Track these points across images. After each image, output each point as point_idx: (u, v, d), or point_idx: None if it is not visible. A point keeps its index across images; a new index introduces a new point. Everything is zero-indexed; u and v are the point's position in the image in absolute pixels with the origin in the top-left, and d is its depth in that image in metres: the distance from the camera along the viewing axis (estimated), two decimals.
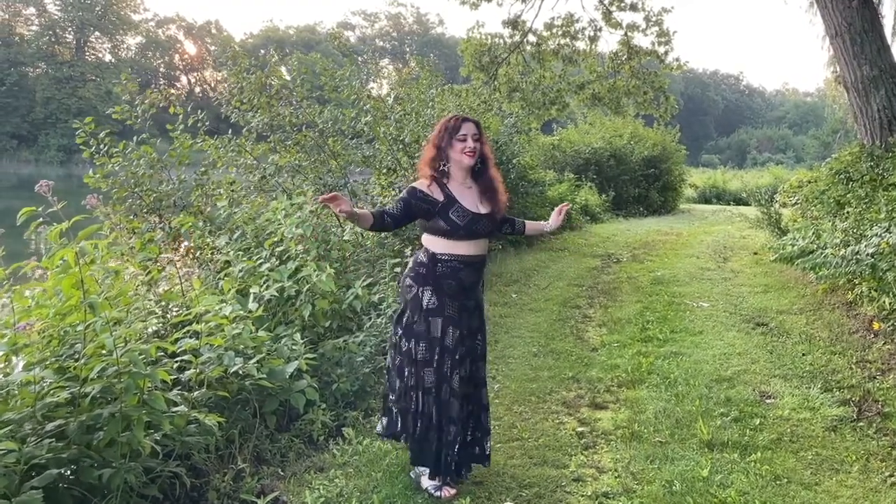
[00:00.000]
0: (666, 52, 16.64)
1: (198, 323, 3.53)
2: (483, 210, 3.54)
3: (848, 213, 7.53)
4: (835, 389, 5.11)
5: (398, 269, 5.85)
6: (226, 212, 5.45)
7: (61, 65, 61.63)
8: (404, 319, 3.58)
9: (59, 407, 2.77)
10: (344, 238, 5.32)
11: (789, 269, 9.67)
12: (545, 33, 16.95)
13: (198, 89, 74.86)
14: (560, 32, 16.89)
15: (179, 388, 3.48)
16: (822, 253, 6.91)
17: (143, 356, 2.82)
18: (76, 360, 2.92)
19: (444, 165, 3.53)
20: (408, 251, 5.99)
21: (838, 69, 22.03)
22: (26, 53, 61.13)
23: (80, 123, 5.99)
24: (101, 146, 6.09)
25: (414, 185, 3.56)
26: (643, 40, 17.22)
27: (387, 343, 5.17)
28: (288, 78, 8.66)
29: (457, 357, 3.51)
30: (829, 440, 4.25)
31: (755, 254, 12.02)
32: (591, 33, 16.77)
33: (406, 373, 3.58)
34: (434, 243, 3.51)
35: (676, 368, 5.59)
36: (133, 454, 2.84)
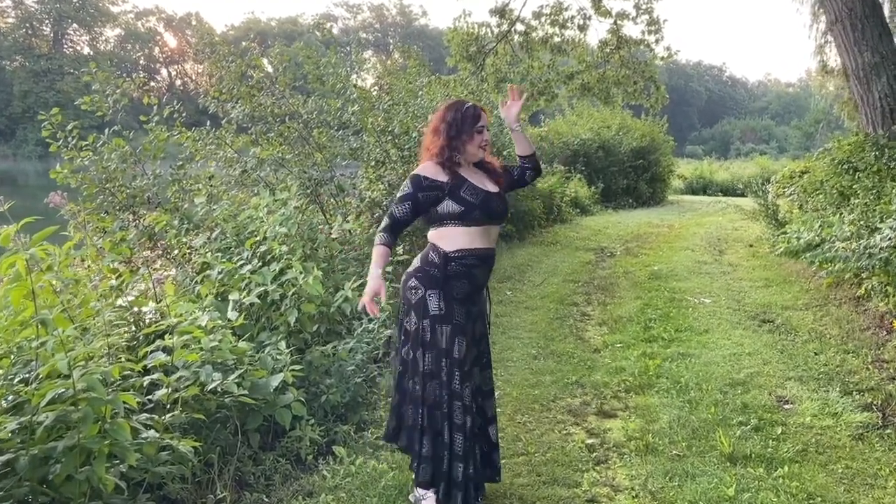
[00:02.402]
0: (656, 41, 16.31)
1: (170, 335, 3.16)
2: (492, 189, 3.22)
3: (854, 204, 7.24)
4: (854, 392, 4.81)
5: (390, 269, 5.50)
6: (203, 208, 5.05)
7: (39, 58, 60.48)
8: (406, 325, 3.21)
9: (7, 440, 2.40)
10: (331, 236, 4.94)
11: (788, 261, 9.40)
12: (533, 22, 16.56)
13: (178, 82, 73.89)
14: (548, 21, 16.51)
15: (152, 406, 3.11)
16: (831, 246, 6.62)
17: (103, 379, 2.44)
18: (28, 384, 2.54)
19: (458, 157, 3.17)
20: (400, 249, 5.64)
21: (828, 56, 21.79)
22: (2, 46, 59.96)
23: (45, 115, 5.57)
24: (69, 139, 5.67)
25: (417, 172, 3.15)
26: (633, 29, 16.87)
27: (379, 350, 4.84)
28: (270, 69, 8.27)
29: (466, 369, 3.15)
30: (857, 451, 3.94)
31: (751, 246, 11.77)
32: (581, 22, 16.38)
33: (409, 384, 3.23)
34: (445, 239, 3.12)
35: (686, 371, 5.27)
36: (94, 491, 2.47)
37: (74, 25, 66.41)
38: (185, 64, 76.14)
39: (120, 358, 3.12)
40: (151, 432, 2.74)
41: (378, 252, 3.11)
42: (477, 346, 3.30)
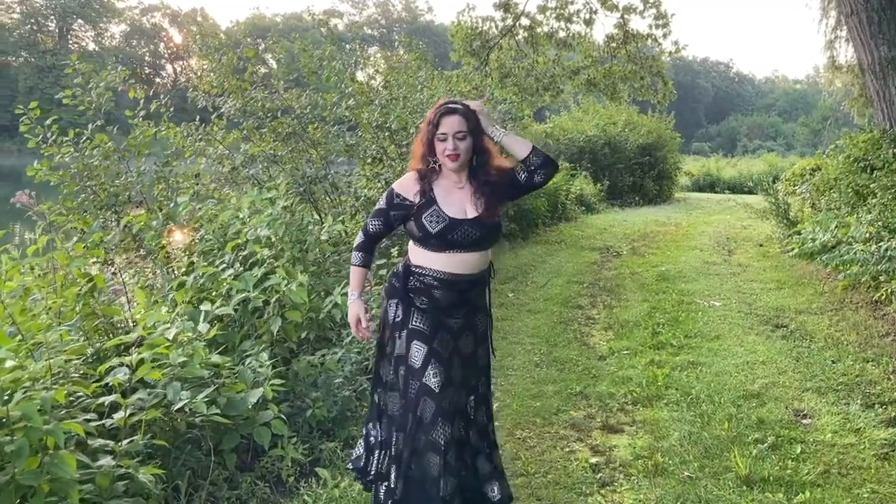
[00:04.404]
0: (664, 36, 15.99)
1: (137, 347, 2.89)
2: (470, 214, 2.83)
3: (872, 204, 6.92)
4: (876, 405, 4.52)
5: (384, 272, 5.22)
6: (185, 208, 4.77)
7: (44, 53, 60.34)
8: (380, 339, 3.03)
9: None
10: (321, 237, 4.66)
11: (800, 262, 9.10)
12: (538, 16, 16.27)
13: (183, 78, 73.57)
14: (554, 15, 16.20)
15: (115, 428, 2.82)
16: (848, 248, 6.31)
17: (41, 406, 2.16)
18: None
19: (435, 163, 2.87)
20: (394, 251, 5.35)
21: (837, 52, 21.37)
22: (7, 42, 59.80)
23: (22, 108, 5.31)
24: (49, 134, 5.41)
25: (393, 185, 2.96)
26: (640, 23, 16.60)
27: (369, 360, 4.55)
28: (273, 64, 8.01)
29: (426, 383, 2.74)
30: (883, 472, 3.65)
31: (761, 246, 11.47)
32: (587, 16, 16.07)
33: (376, 398, 3.04)
34: (413, 252, 2.91)
35: (697, 382, 4.98)
36: None
37: (80, 21, 66.28)
38: (189, 60, 75.85)
39: (83, 377, 2.86)
40: (107, 460, 2.47)
41: (354, 275, 3.01)
42: (465, 367, 2.93)
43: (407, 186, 2.87)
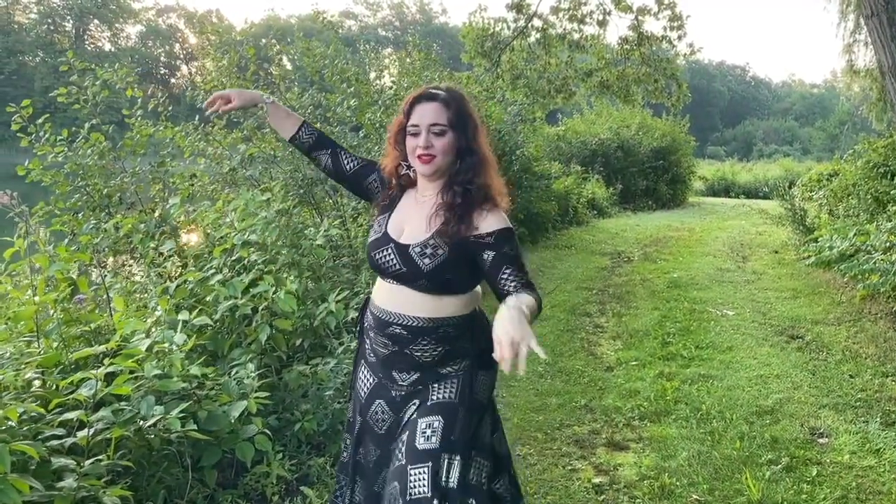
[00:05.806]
0: (679, 38, 15.74)
1: (112, 358, 2.72)
2: (404, 237, 2.13)
3: (893, 211, 6.67)
4: None
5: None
6: (176, 210, 4.61)
7: (60, 53, 60.79)
8: None
9: None
10: (316, 242, 4.48)
11: (816, 270, 8.85)
12: (551, 17, 16.07)
13: (199, 79, 73.79)
14: (567, 16, 15.99)
15: (73, 442, 2.64)
16: (868, 258, 6.07)
17: None
18: None
19: (408, 168, 2.23)
20: None
21: (856, 56, 21.01)
22: (25, 42, 60.26)
23: (13, 107, 5.18)
24: (41, 133, 5.28)
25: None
26: (654, 25, 16.37)
27: None
28: (288, 65, 7.87)
29: (363, 462, 2.30)
30: None
31: (776, 252, 11.20)
32: (600, 17, 15.85)
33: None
34: None
35: (707, 396, 4.76)
36: None
37: (96, 21, 66.77)
38: (205, 60, 76.09)
39: (55, 390, 2.70)
40: (69, 482, 2.30)
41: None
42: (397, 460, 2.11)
43: (390, 177, 2.32)
